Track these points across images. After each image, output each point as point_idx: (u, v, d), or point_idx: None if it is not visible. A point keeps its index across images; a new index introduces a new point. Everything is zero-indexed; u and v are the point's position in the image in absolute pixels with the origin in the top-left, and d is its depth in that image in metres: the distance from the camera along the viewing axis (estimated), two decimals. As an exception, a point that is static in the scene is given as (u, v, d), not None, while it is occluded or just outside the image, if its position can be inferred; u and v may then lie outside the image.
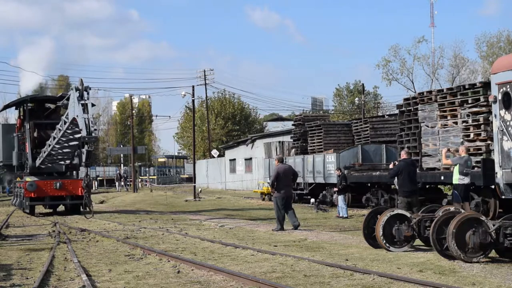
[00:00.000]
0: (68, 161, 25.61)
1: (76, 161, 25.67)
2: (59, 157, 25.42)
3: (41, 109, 27.75)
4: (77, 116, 20.15)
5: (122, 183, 59.79)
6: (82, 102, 19.93)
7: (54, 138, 23.40)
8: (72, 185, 25.26)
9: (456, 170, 14.37)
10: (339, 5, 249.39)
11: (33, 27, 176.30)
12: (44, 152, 24.94)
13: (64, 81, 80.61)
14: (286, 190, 16.71)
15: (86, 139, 19.64)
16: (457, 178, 14.33)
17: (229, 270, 9.50)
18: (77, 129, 20.78)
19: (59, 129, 22.65)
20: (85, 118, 19.52)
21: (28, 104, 27.45)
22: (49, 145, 24.16)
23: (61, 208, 28.20)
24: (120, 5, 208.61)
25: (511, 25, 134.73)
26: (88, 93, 20.43)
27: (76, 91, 20.31)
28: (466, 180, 14.33)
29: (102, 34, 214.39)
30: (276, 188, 16.58)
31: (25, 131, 26.92)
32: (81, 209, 25.05)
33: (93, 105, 21.24)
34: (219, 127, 70.60)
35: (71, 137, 22.49)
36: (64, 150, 24.34)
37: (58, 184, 25.01)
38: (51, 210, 27.93)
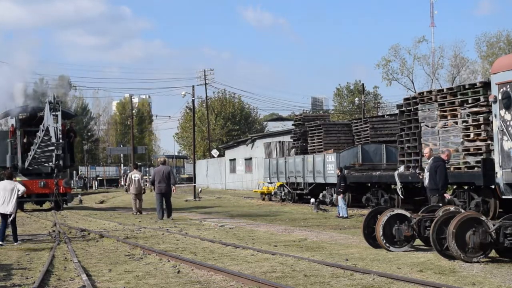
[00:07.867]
0: (51, 163, 27.67)
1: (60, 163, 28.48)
2: (43, 159, 28.32)
3: (33, 117, 30.26)
4: (49, 125, 23.79)
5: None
6: (54, 113, 23.48)
7: (36, 143, 26.72)
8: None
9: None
10: (339, 5, 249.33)
11: (29, 26, 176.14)
12: (30, 155, 28.13)
13: (63, 80, 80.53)
14: (163, 188, 20.76)
15: (55, 145, 23.64)
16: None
17: (229, 270, 9.50)
18: (51, 136, 23.98)
19: (39, 136, 26.02)
20: (54, 127, 23.35)
21: (20, 114, 30.46)
22: (33, 149, 27.48)
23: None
24: (112, 3, 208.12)
25: (510, 25, 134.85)
26: (59, 106, 23.85)
27: (49, 104, 23.73)
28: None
29: (96, 33, 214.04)
30: (156, 185, 20.92)
31: (17, 137, 29.96)
32: (66, 205, 28.71)
33: (76, 115, 24.96)
34: (219, 127, 70.62)
35: (48, 142, 25.14)
36: (46, 154, 27.05)
37: (42, 183, 28.40)
38: (39, 206, 31.17)
